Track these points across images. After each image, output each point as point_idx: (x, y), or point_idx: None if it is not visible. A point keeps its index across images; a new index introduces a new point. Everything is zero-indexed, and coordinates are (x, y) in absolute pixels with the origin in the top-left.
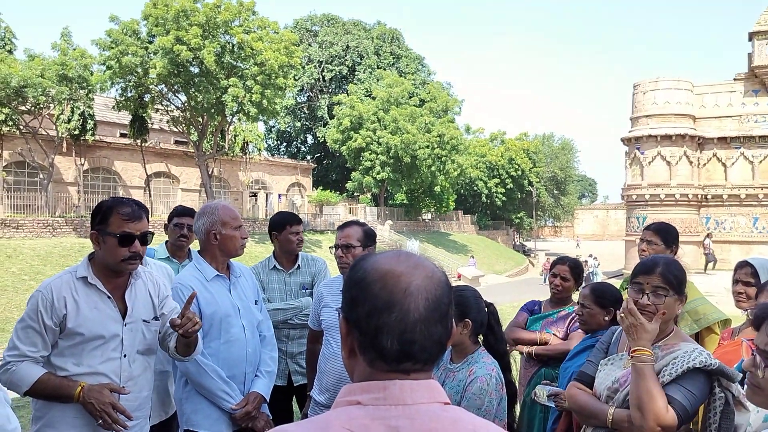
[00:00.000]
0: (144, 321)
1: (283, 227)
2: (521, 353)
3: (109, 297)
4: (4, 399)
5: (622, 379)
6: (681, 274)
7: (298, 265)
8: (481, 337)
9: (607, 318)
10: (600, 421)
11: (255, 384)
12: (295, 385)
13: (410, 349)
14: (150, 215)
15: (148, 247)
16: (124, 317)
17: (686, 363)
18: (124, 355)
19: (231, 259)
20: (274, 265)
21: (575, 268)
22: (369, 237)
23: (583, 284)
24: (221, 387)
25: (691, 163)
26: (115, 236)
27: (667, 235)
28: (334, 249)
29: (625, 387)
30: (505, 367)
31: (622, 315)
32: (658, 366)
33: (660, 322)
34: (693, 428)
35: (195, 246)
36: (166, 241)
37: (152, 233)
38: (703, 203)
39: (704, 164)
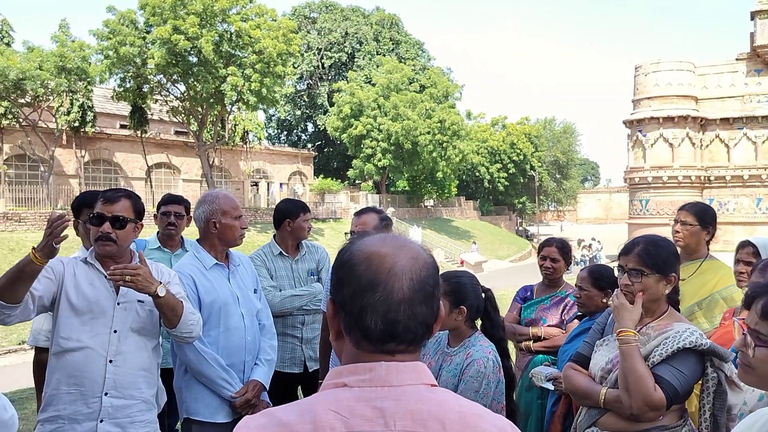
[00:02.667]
0: (139, 301)
1: (297, 215)
2: (518, 347)
3: (105, 277)
4: None
5: (615, 360)
6: (664, 253)
7: (304, 252)
8: (479, 323)
9: (604, 300)
10: (593, 401)
11: (255, 372)
12: (310, 371)
13: (394, 329)
14: (151, 206)
15: (138, 238)
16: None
17: (676, 343)
18: (114, 331)
19: (230, 248)
20: (280, 252)
21: (563, 248)
22: (385, 224)
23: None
24: (221, 375)
25: (693, 144)
26: (93, 217)
27: (703, 215)
28: (349, 235)
29: (618, 368)
30: (503, 353)
31: (612, 298)
32: (649, 346)
33: (641, 302)
34: (688, 408)
35: (186, 234)
36: (158, 232)
37: (131, 219)
38: (706, 185)
39: (707, 145)
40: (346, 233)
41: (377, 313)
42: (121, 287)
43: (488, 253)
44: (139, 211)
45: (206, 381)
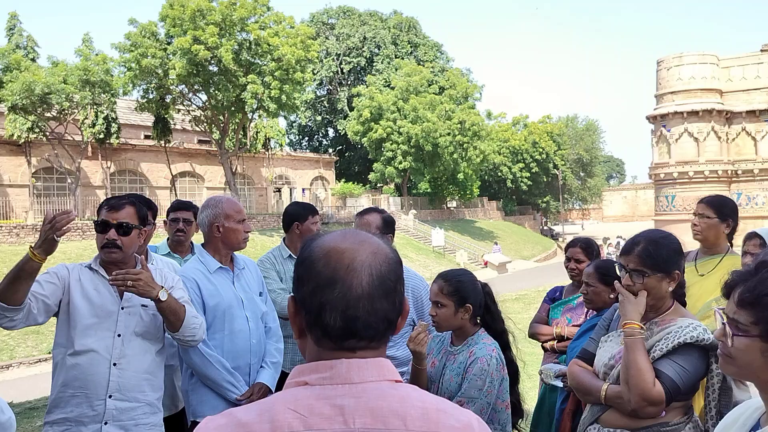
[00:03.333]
0: (143, 306)
1: (306, 217)
2: (543, 347)
3: (110, 282)
4: None
5: (617, 355)
6: (665, 251)
7: None
8: (479, 319)
9: (612, 295)
10: (595, 397)
11: (260, 375)
12: None
13: (354, 325)
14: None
15: (149, 244)
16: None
17: (678, 338)
18: (118, 335)
19: (235, 252)
20: (289, 254)
21: (587, 247)
22: (388, 224)
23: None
24: (226, 377)
25: (719, 138)
26: (96, 224)
27: (722, 207)
28: None
29: (620, 363)
30: (505, 346)
31: (617, 286)
32: (651, 341)
33: (644, 294)
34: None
35: (197, 240)
36: (168, 237)
37: (135, 226)
38: (734, 179)
39: (733, 139)
40: None
41: (336, 309)
42: (125, 292)
43: (512, 254)
44: (143, 218)
45: (211, 384)
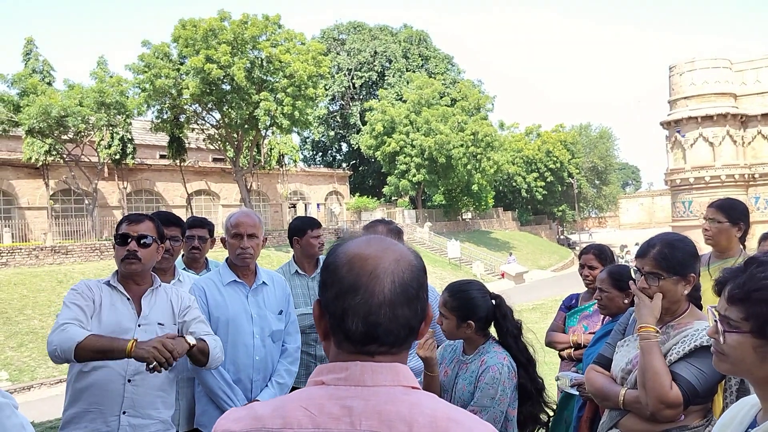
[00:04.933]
0: (159, 324)
1: (305, 232)
2: (560, 355)
3: (128, 299)
4: (13, 406)
5: (635, 360)
6: (681, 254)
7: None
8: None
9: (626, 301)
10: (613, 402)
11: (262, 393)
12: None
13: (375, 331)
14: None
15: None
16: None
17: (694, 340)
18: None
19: (260, 267)
20: (296, 270)
21: (600, 254)
22: (395, 234)
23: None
24: (221, 386)
25: (735, 142)
26: (117, 237)
27: (731, 210)
28: None
29: (637, 368)
30: (515, 361)
31: (633, 289)
32: (668, 345)
33: (660, 297)
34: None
35: (210, 256)
36: (183, 254)
37: (155, 239)
38: (751, 182)
39: (749, 142)
40: None
41: (358, 315)
42: (142, 310)
43: (529, 264)
44: (161, 234)
45: (208, 391)
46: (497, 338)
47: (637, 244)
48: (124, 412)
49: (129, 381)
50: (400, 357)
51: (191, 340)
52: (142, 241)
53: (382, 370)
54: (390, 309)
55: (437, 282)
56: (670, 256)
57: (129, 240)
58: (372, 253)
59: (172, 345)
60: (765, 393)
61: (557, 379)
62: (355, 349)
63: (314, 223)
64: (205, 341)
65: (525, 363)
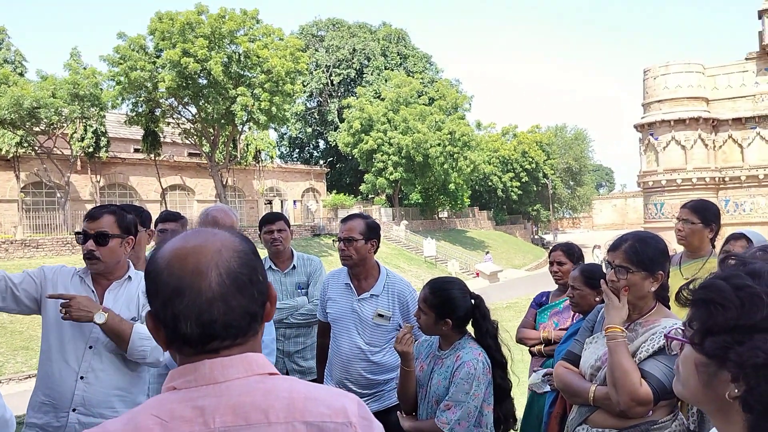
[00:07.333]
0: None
1: (261, 228)
2: (530, 351)
3: (93, 291)
4: None
5: (604, 357)
6: (651, 250)
7: (294, 265)
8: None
9: (598, 298)
10: (583, 399)
11: None
12: None
13: (212, 329)
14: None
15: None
16: None
17: (662, 338)
18: (90, 347)
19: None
20: (270, 266)
21: (568, 250)
22: (372, 229)
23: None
24: None
25: (706, 146)
26: (76, 235)
27: (705, 212)
28: (336, 242)
29: (606, 365)
30: (492, 360)
31: (603, 288)
32: (637, 343)
33: (626, 298)
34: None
35: None
36: (155, 248)
37: (115, 235)
38: (721, 186)
39: (720, 146)
40: (333, 240)
41: (190, 318)
42: (103, 303)
43: (504, 263)
44: (125, 227)
45: None
46: (474, 336)
47: (609, 243)
48: (74, 410)
49: (81, 378)
50: (249, 346)
51: (99, 318)
52: (100, 240)
53: (232, 363)
54: (223, 303)
55: (414, 280)
56: (640, 251)
57: (87, 238)
58: (190, 249)
59: (85, 306)
60: (721, 426)
61: (531, 387)
62: (198, 351)
63: (266, 219)
64: (129, 327)
65: (502, 363)
